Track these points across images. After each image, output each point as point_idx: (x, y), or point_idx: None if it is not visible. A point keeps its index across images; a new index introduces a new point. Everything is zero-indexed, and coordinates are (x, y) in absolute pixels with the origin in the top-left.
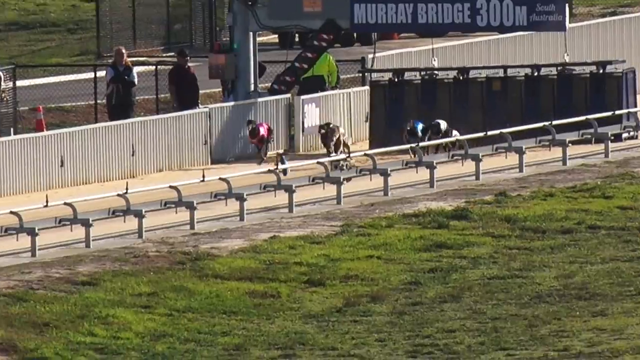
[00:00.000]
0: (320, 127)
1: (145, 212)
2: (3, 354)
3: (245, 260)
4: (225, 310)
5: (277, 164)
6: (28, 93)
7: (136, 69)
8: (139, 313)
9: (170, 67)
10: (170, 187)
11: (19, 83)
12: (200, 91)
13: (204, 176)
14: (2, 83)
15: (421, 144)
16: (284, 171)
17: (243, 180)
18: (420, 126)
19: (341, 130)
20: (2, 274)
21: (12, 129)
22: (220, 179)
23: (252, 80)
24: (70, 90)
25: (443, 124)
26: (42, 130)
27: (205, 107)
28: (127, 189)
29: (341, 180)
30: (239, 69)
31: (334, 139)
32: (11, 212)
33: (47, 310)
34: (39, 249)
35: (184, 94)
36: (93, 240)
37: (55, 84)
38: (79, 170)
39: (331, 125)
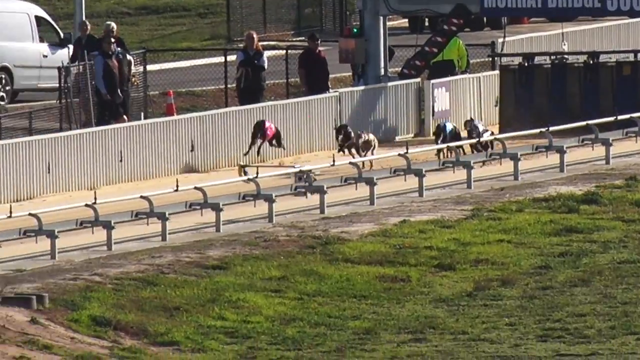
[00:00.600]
0: (337, 130)
1: (276, 196)
2: (134, 338)
3: (376, 245)
4: (356, 294)
5: (240, 174)
6: (158, 77)
7: (266, 53)
8: (269, 297)
9: (301, 51)
10: (301, 171)
11: (149, 67)
12: (330, 75)
13: (334, 161)
14: (133, 67)
15: (456, 143)
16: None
17: (375, 164)
18: (449, 127)
19: (360, 134)
20: (132, 258)
21: (142, 113)
22: (350, 163)
23: (382, 65)
24: (200, 74)
25: (480, 125)
26: (173, 115)
27: (335, 92)
28: (257, 173)
29: (471, 163)
30: (369, 53)
31: (356, 142)
32: (141, 197)
33: (177, 294)
34: (170, 233)
35: (314, 78)
36: (223, 224)
37: (186, 68)
38: (209, 155)
39: (348, 129)
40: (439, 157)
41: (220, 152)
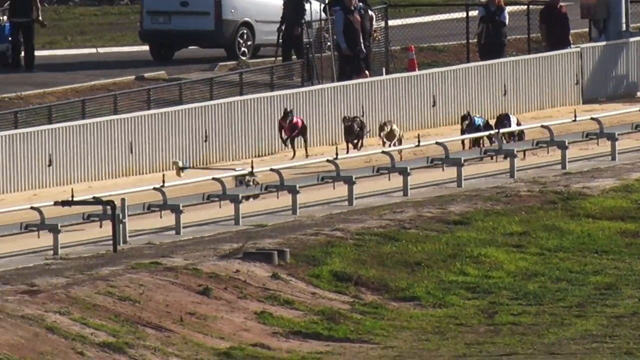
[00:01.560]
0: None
1: (517, 152)
2: (375, 293)
3: (617, 200)
4: (597, 250)
5: (178, 174)
6: (400, 32)
7: (508, 9)
8: (510, 252)
9: (542, 6)
10: (542, 126)
11: (391, 22)
12: (571, 30)
13: (575, 116)
14: (374, 22)
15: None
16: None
17: (614, 120)
18: (478, 121)
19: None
20: (374, 213)
21: (384, 69)
22: (591, 119)
23: (623, 20)
24: (442, 29)
25: (513, 117)
26: (414, 70)
27: (576, 47)
28: (497, 129)
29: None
30: (610, 8)
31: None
32: (383, 152)
33: (418, 249)
34: (411, 188)
35: (554, 33)
36: (465, 179)
37: (427, 24)
38: (450, 110)
39: (357, 120)
40: (464, 148)
41: (461, 107)
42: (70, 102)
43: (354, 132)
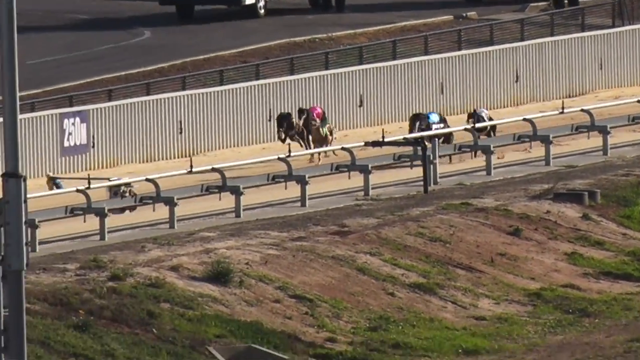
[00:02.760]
0: (278, 122)
1: None
2: None
3: None
4: None
5: (50, 187)
6: None
7: None
8: None
9: None
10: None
11: None
12: None
13: None
14: None
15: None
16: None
17: None
18: (434, 117)
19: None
20: None
21: None
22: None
23: None
24: None
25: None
26: None
27: None
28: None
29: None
30: None
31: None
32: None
33: None
34: None
35: None
36: None
37: None
38: None
39: (291, 118)
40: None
41: None
42: (381, 43)
43: (293, 127)
